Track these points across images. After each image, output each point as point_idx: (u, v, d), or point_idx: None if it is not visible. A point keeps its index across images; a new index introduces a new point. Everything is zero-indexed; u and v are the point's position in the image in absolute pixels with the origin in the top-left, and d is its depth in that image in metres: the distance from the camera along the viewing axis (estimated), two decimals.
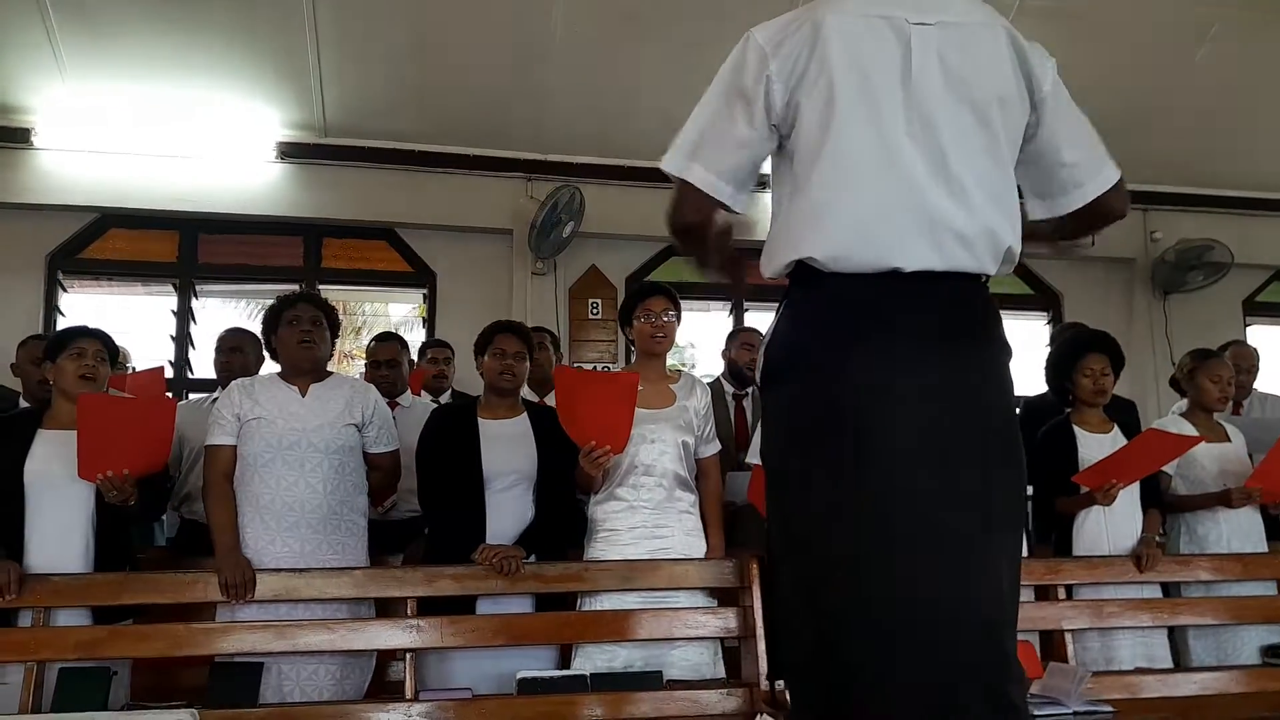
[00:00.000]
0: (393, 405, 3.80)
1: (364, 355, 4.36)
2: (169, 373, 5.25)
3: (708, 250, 1.64)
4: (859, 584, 1.38)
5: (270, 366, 3.23)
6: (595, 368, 5.53)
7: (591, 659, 2.78)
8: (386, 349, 4.07)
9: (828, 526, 1.41)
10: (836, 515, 1.40)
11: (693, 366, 7.00)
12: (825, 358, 1.45)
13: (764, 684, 2.61)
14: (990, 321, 1.53)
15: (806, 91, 1.47)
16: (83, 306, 5.43)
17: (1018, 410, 1.65)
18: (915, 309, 1.45)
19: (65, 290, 5.41)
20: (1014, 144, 1.55)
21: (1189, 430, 3.40)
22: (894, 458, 1.39)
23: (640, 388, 2.81)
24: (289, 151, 5.36)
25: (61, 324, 5.11)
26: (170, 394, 4.93)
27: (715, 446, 3.01)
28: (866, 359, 1.42)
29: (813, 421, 1.45)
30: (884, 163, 1.45)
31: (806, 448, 1.46)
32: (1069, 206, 1.63)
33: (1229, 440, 3.51)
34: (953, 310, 1.47)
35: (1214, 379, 3.51)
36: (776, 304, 1.62)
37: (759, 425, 3.61)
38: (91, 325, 2.93)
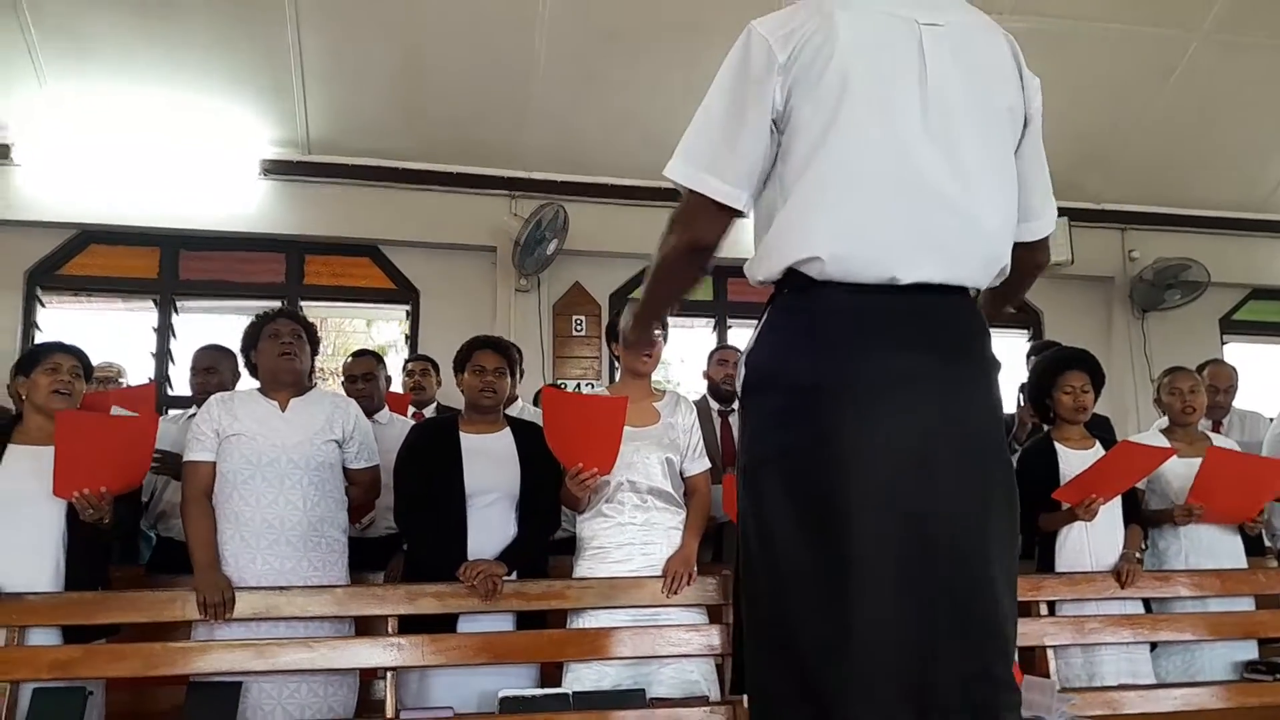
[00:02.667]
0: (370, 420, 3.80)
1: (341, 374, 4.35)
2: None
3: (690, 280, 1.57)
4: (842, 604, 1.32)
5: (246, 384, 3.21)
6: (579, 385, 5.52)
7: (581, 678, 2.76)
8: (362, 363, 4.08)
9: (808, 543, 1.36)
10: (819, 532, 1.35)
11: (677, 384, 7.00)
12: (814, 372, 1.38)
13: (748, 701, 2.60)
14: (982, 338, 1.47)
15: (811, 86, 1.38)
16: (62, 323, 5.39)
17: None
18: (909, 323, 1.38)
19: (44, 306, 5.36)
20: (1014, 153, 1.50)
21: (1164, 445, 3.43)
22: (883, 478, 1.33)
23: None
24: (272, 168, 5.35)
25: (39, 340, 5.07)
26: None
27: (704, 464, 2.99)
28: (857, 375, 1.36)
29: (803, 437, 1.38)
30: (898, 166, 1.38)
31: (795, 463, 1.39)
32: (1037, 233, 1.57)
33: None
34: (947, 326, 1.41)
35: (1174, 391, 3.53)
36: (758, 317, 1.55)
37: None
38: (68, 341, 2.90)
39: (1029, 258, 1.59)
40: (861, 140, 1.38)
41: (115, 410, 2.96)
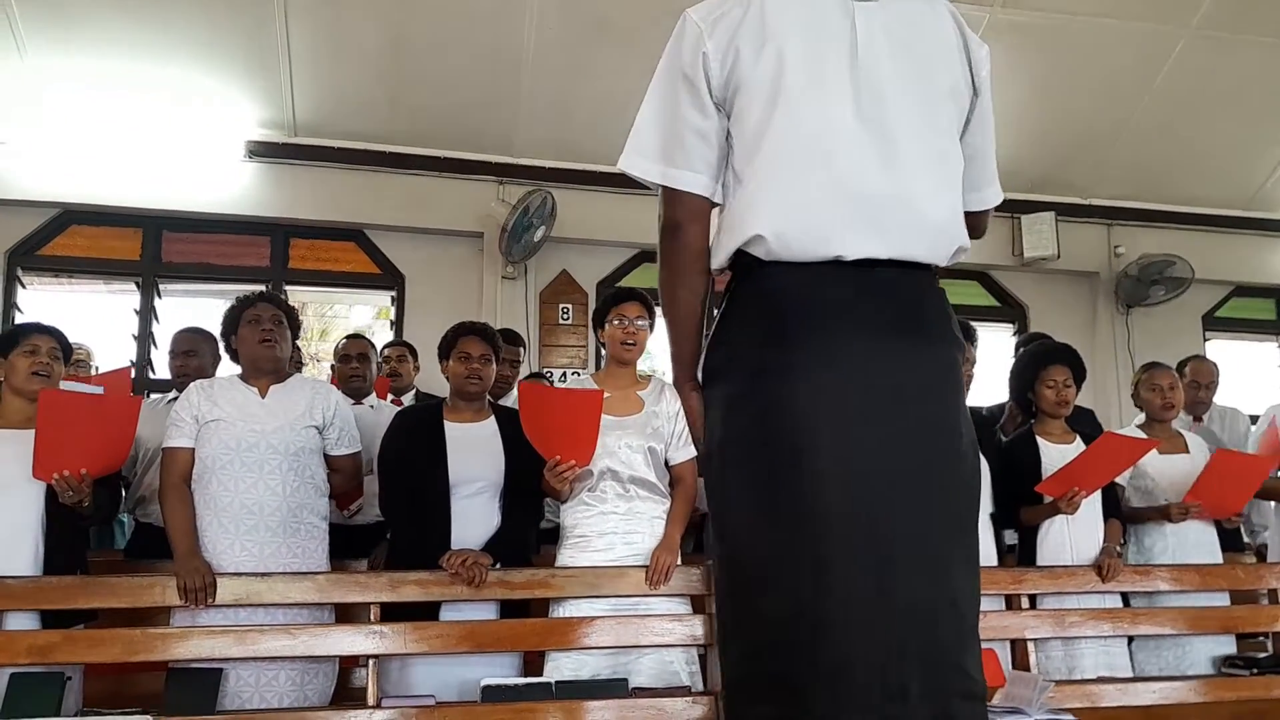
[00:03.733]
0: (359, 402, 3.80)
1: (334, 356, 4.35)
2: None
3: (693, 279, 1.51)
4: (797, 592, 1.31)
5: (227, 368, 3.18)
6: (564, 373, 5.51)
7: (561, 667, 2.76)
8: (358, 343, 4.13)
9: (766, 530, 1.35)
10: (776, 519, 1.34)
11: (662, 373, 7.00)
12: (765, 355, 1.38)
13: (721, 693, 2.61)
14: (939, 315, 1.46)
15: (747, 69, 1.39)
16: (42, 304, 5.32)
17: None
18: (859, 301, 1.38)
19: (24, 287, 5.30)
20: (958, 128, 1.49)
21: None
22: (837, 460, 1.32)
23: (608, 394, 2.80)
24: (257, 150, 5.29)
25: (19, 321, 5.01)
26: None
27: (689, 452, 2.97)
28: (808, 356, 1.36)
29: (753, 421, 1.38)
30: (830, 144, 1.38)
31: (747, 448, 1.39)
32: (985, 203, 1.57)
33: (1187, 452, 3.54)
34: (899, 303, 1.41)
35: (1153, 387, 3.55)
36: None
37: None
38: (46, 322, 2.87)
39: (971, 223, 1.58)
40: (795, 124, 1.39)
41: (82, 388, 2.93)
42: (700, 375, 1.52)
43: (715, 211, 1.51)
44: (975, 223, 1.59)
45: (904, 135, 1.40)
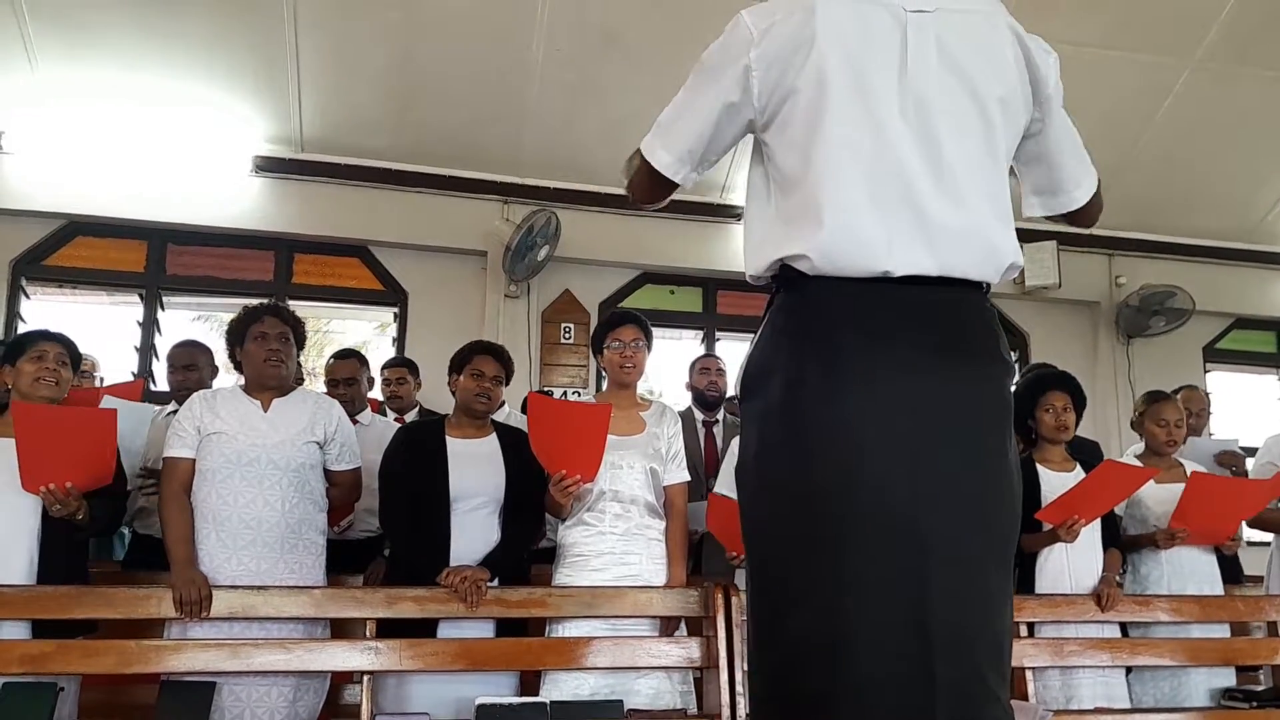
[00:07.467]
0: (352, 422, 3.77)
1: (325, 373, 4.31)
2: None
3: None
4: (826, 610, 1.29)
5: (225, 377, 3.18)
6: (565, 392, 5.51)
7: (559, 686, 2.74)
8: (345, 366, 4.01)
9: (803, 550, 1.33)
10: (810, 536, 1.32)
11: (660, 394, 7.00)
12: (807, 371, 1.36)
13: (726, 715, 2.60)
14: (987, 335, 1.43)
15: (795, 80, 1.39)
16: (46, 314, 5.33)
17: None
18: (905, 321, 1.36)
19: (28, 297, 5.32)
20: (1011, 141, 1.47)
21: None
22: (880, 480, 1.30)
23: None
24: (264, 165, 5.32)
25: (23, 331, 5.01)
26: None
27: (683, 475, 2.99)
28: (852, 374, 1.33)
29: (792, 436, 1.36)
30: (877, 157, 1.37)
31: (786, 465, 1.36)
32: (1070, 205, 1.61)
33: (1184, 481, 3.53)
34: (946, 323, 1.39)
35: (1160, 422, 3.54)
36: (750, 333, 1.54)
37: (729, 451, 3.61)
38: (54, 329, 2.86)
39: (1078, 217, 1.67)
40: (843, 136, 1.38)
41: (108, 400, 2.91)
42: (739, 388, 1.51)
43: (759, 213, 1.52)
44: (1086, 214, 1.66)
45: (951, 148, 1.39)
